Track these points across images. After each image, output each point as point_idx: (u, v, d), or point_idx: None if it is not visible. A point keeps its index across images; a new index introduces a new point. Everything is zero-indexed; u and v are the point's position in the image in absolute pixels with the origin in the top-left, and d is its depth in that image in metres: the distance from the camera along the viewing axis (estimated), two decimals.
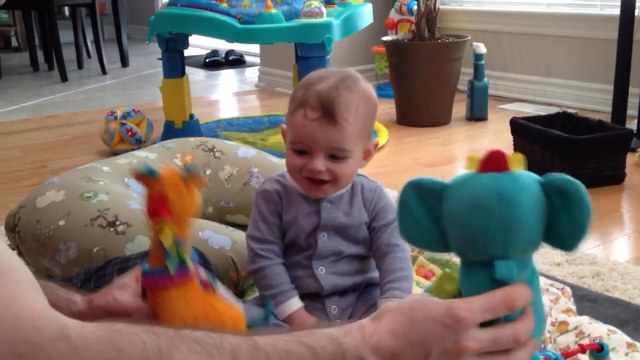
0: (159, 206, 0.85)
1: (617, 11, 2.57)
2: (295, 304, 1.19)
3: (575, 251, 0.69)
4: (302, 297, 1.20)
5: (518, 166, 0.68)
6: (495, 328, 0.68)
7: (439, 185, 0.71)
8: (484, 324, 0.67)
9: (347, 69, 1.22)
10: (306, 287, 1.21)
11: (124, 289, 0.92)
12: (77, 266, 1.39)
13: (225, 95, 4.05)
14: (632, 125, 2.54)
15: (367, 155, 1.21)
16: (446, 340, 0.66)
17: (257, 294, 1.31)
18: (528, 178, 0.68)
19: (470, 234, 0.67)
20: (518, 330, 0.68)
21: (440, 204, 0.70)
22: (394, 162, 2.53)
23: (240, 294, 1.45)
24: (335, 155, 1.14)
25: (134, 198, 1.53)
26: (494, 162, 0.68)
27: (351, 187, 1.22)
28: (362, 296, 1.23)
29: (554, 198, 0.68)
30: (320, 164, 1.13)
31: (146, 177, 0.85)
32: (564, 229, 0.68)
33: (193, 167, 0.88)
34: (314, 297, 1.21)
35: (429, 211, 0.71)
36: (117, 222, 1.43)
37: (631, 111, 2.61)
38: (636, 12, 2.52)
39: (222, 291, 0.91)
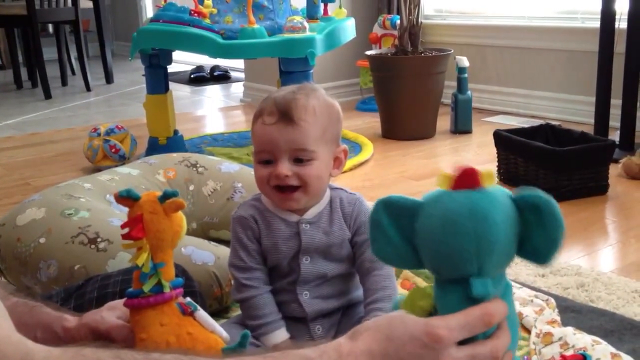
0: (135, 228, 0.87)
1: (597, 24, 2.59)
2: (281, 335, 1.17)
3: (549, 264, 0.69)
4: (286, 319, 1.19)
5: (489, 182, 0.68)
6: (474, 346, 0.67)
7: (411, 203, 0.71)
8: (462, 341, 0.67)
9: (307, 83, 1.21)
10: (290, 311, 1.19)
11: (113, 310, 0.95)
12: (58, 284, 1.37)
13: (210, 110, 4.05)
14: (614, 136, 2.55)
15: (338, 163, 1.18)
16: (424, 359, 0.66)
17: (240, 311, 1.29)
18: (500, 194, 0.68)
19: (444, 251, 0.67)
20: (496, 347, 0.68)
21: (412, 222, 0.70)
22: (380, 175, 2.53)
23: (224, 310, 1.44)
24: (300, 158, 1.11)
25: (116, 215, 1.51)
26: (466, 179, 0.67)
27: (329, 202, 1.19)
28: (346, 314, 1.22)
29: (527, 214, 0.68)
30: (285, 168, 1.10)
31: (125, 198, 0.88)
32: (537, 243, 0.68)
33: (172, 192, 0.89)
34: (298, 320, 1.20)
35: (401, 229, 0.71)
36: (99, 239, 1.41)
37: (613, 122, 2.62)
38: (616, 25, 2.54)
39: (205, 318, 0.92)
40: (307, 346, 0.69)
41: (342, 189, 1.22)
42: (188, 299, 0.94)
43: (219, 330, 0.93)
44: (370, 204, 1.26)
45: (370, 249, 1.16)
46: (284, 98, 1.12)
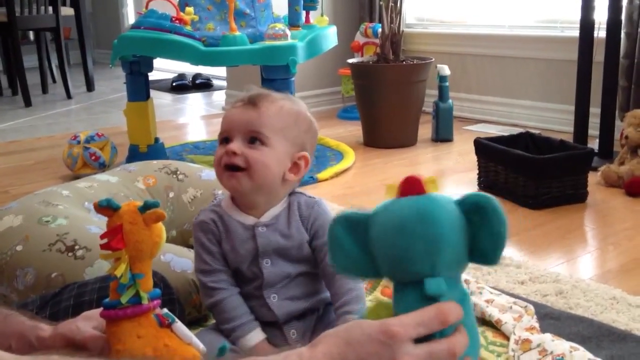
0: (114, 239, 0.86)
1: (577, 33, 2.62)
2: (256, 336, 1.16)
3: (497, 264, 0.72)
4: (260, 325, 1.19)
5: (433, 188, 0.72)
6: (430, 343, 0.69)
7: (364, 215, 0.75)
8: (421, 342, 0.68)
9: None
10: (261, 316, 1.19)
11: (89, 320, 0.94)
12: (35, 292, 1.35)
13: (192, 118, 4.04)
14: (593, 144, 2.58)
15: (296, 170, 1.18)
16: (382, 357, 0.67)
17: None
18: (443, 198, 0.72)
19: (397, 254, 0.70)
20: (453, 344, 0.69)
21: (367, 233, 0.74)
22: (361, 183, 2.53)
23: (202, 318, 1.43)
24: (253, 139, 1.13)
25: (94, 222, 1.50)
26: (410, 186, 0.72)
27: (287, 206, 1.20)
28: (322, 318, 1.21)
29: (472, 216, 0.71)
30: (236, 146, 1.13)
31: (105, 208, 0.88)
32: (484, 243, 0.71)
33: (153, 202, 0.89)
34: (272, 324, 1.19)
35: (357, 241, 0.74)
36: (76, 247, 1.40)
37: (592, 131, 2.64)
38: (595, 34, 2.57)
39: (183, 330, 0.92)
40: (273, 352, 0.70)
41: (302, 193, 1.23)
42: (165, 310, 0.93)
43: (195, 343, 0.93)
44: (340, 209, 1.26)
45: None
46: (258, 90, 1.17)
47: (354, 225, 0.74)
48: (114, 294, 0.88)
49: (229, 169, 1.14)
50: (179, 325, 0.92)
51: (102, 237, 0.88)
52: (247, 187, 1.15)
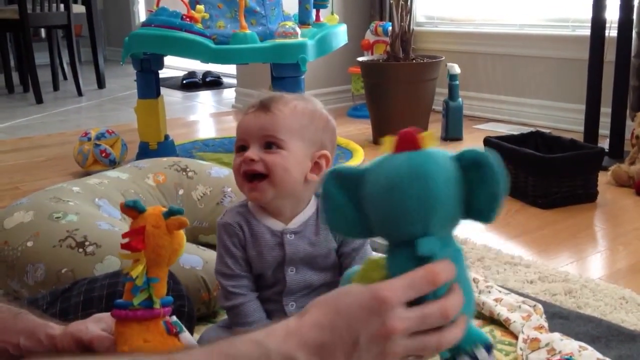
0: (136, 239, 0.87)
1: (588, 32, 2.61)
2: None
3: (492, 221, 0.69)
4: None
5: (430, 143, 0.69)
6: (422, 306, 0.66)
7: (357, 171, 0.72)
8: (413, 306, 0.66)
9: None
10: None
11: (99, 322, 0.95)
12: (45, 287, 1.37)
13: (202, 116, 4.05)
14: (604, 144, 2.57)
15: (318, 170, 1.15)
16: (373, 323, 0.64)
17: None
18: (440, 154, 0.69)
19: (390, 213, 0.68)
20: (445, 306, 0.67)
21: (360, 189, 0.71)
22: None
23: (212, 314, 1.44)
24: (270, 145, 1.11)
25: (104, 218, 1.51)
26: (406, 141, 0.69)
27: (316, 210, 1.18)
28: None
29: (470, 172, 0.68)
30: (253, 152, 1.11)
31: (130, 209, 0.88)
32: (481, 201, 0.68)
33: (177, 209, 0.89)
34: None
35: (350, 198, 0.72)
36: (87, 243, 1.41)
37: (603, 130, 2.63)
38: (606, 33, 2.56)
39: (190, 341, 0.92)
40: (255, 330, 0.68)
41: None
42: (174, 318, 0.93)
43: None
44: None
45: (355, 260, 1.16)
46: (269, 94, 1.16)
47: (347, 182, 0.72)
48: (128, 294, 0.89)
49: (249, 178, 1.12)
50: (186, 335, 0.93)
51: (124, 236, 0.89)
52: (271, 195, 1.13)
